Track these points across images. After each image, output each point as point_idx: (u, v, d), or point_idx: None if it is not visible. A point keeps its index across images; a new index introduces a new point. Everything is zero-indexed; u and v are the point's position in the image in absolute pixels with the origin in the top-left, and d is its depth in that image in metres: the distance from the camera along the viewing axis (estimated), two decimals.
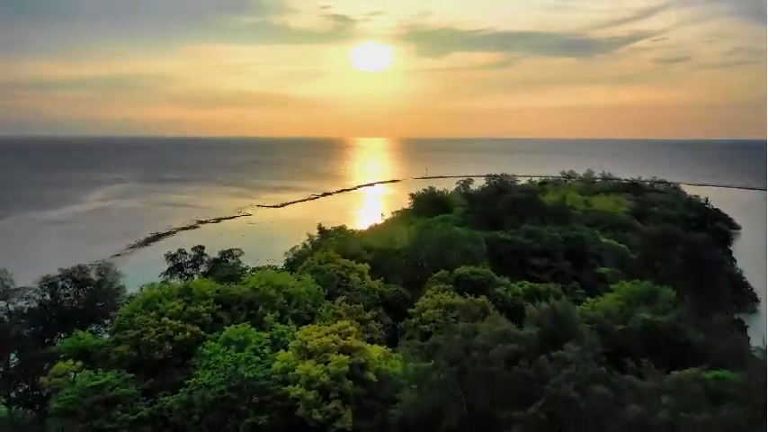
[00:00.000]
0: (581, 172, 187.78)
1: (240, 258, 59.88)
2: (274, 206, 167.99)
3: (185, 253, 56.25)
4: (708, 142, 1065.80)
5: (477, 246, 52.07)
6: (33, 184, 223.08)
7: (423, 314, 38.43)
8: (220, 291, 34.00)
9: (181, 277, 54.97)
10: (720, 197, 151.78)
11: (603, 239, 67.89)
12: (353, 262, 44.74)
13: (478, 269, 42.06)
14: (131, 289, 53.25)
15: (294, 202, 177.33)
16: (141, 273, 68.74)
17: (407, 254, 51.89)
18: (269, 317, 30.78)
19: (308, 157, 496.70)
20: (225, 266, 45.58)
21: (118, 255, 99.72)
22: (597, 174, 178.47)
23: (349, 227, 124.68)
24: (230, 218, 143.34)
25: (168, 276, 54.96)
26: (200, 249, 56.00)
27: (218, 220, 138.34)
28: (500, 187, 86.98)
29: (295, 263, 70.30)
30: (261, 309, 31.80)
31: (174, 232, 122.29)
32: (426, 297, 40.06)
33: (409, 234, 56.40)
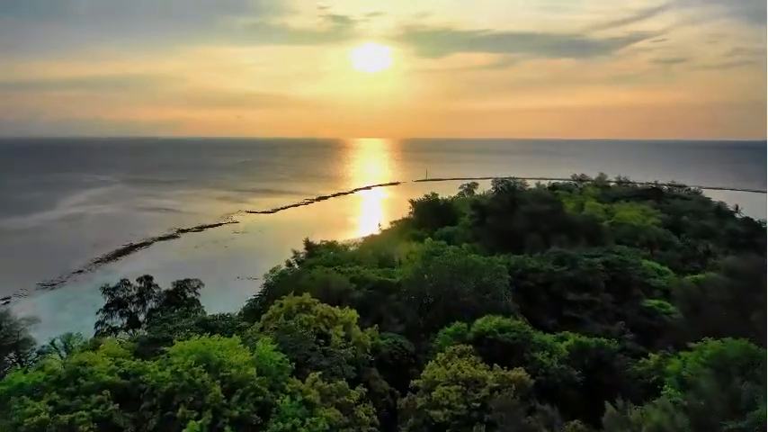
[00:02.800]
0: (583, 173, 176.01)
1: (204, 287, 48.93)
2: (265, 212, 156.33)
3: (129, 284, 44.72)
4: (708, 143, 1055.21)
5: (499, 279, 40.52)
6: (13, 188, 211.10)
7: (432, 392, 26.94)
8: (129, 371, 22.42)
9: (122, 316, 43.58)
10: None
11: (644, 262, 56.35)
12: (338, 307, 33.14)
13: (508, 323, 30.43)
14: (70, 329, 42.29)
15: (286, 207, 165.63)
16: (99, 297, 57.66)
17: (410, 289, 40.33)
18: (192, 426, 19.22)
19: (305, 157, 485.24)
20: (158, 323, 33.65)
21: (80, 271, 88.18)
22: (611, 177, 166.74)
23: (343, 237, 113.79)
24: (215, 225, 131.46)
25: (107, 316, 43.58)
26: (147, 280, 44.44)
27: (200, 229, 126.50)
28: (514, 196, 75.33)
29: (272, 291, 59.28)
30: (182, 410, 20.18)
31: (150, 243, 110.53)
32: (438, 365, 28.53)
33: (412, 261, 44.75)
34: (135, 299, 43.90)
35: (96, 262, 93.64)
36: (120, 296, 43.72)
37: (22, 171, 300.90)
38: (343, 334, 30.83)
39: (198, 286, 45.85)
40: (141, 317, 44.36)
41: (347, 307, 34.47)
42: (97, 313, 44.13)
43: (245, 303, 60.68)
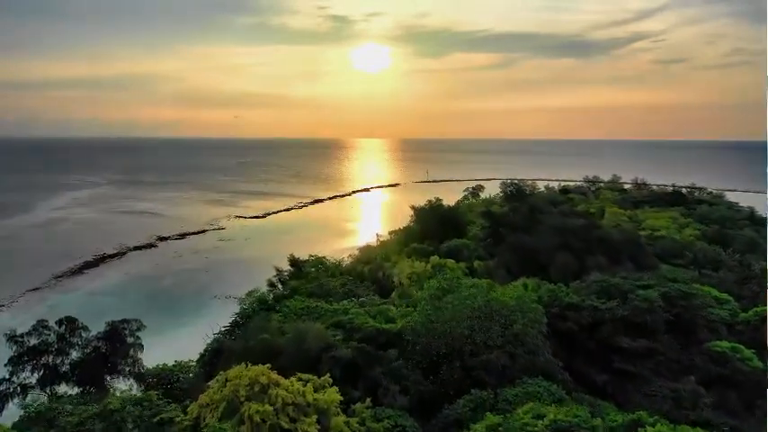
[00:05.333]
0: (596, 175, 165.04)
1: (145, 329, 38.35)
2: (255, 217, 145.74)
3: (47, 327, 34.31)
4: (708, 143, 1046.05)
5: (534, 324, 30.20)
6: None
7: None
8: None
9: (34, 371, 33.16)
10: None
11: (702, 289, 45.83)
12: (311, 380, 22.72)
13: (569, 417, 20.01)
14: None
15: (279, 212, 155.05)
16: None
17: (415, 341, 29.94)
18: None
19: (303, 158, 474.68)
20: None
21: (36, 288, 77.59)
22: (627, 179, 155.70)
23: (337, 245, 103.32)
24: (199, 232, 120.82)
25: (16, 370, 33.13)
26: (68, 324, 34.04)
27: (182, 236, 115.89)
28: (531, 204, 64.93)
29: (245, 321, 49.01)
30: None
31: (124, 253, 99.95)
32: None
33: (418, 302, 34.10)
34: (53, 347, 33.45)
35: (57, 277, 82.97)
36: (35, 343, 33.27)
37: (11, 171, 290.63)
38: (316, 430, 20.47)
39: (138, 328, 35.34)
40: (65, 368, 33.93)
41: (327, 375, 24.18)
42: (5, 365, 33.69)
43: (213, 336, 50.86)
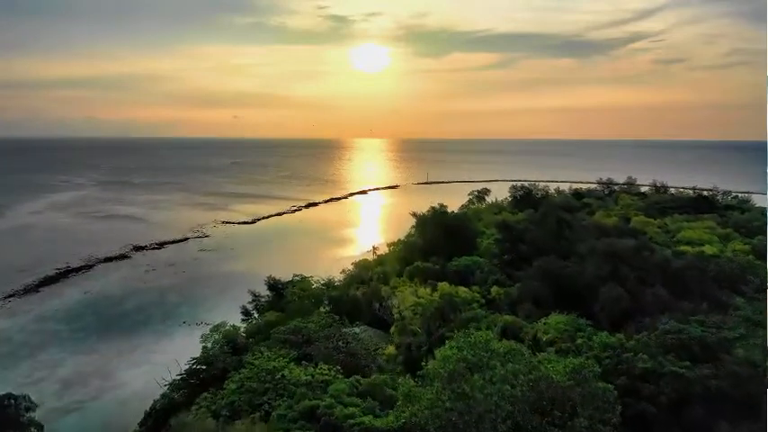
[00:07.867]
0: (610, 177, 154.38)
1: (39, 408, 27.86)
2: (244, 222, 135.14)
3: None
4: (707, 143, 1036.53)
5: (604, 415, 19.89)
6: None
7: None
8: None
9: None
10: None
11: None
12: None
13: None
14: None
15: (269, 216, 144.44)
16: None
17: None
18: None
19: (302, 158, 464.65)
20: None
21: None
22: (644, 181, 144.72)
23: (330, 256, 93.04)
24: (179, 241, 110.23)
25: None
26: None
27: (160, 245, 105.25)
28: (560, 217, 54.47)
29: (205, 370, 38.78)
30: None
31: (92, 265, 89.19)
32: None
33: (431, 379, 23.14)
34: None
35: (7, 296, 72.33)
36: None
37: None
38: None
39: (28, 408, 24.91)
40: None
41: None
42: None
43: (165, 384, 40.65)
